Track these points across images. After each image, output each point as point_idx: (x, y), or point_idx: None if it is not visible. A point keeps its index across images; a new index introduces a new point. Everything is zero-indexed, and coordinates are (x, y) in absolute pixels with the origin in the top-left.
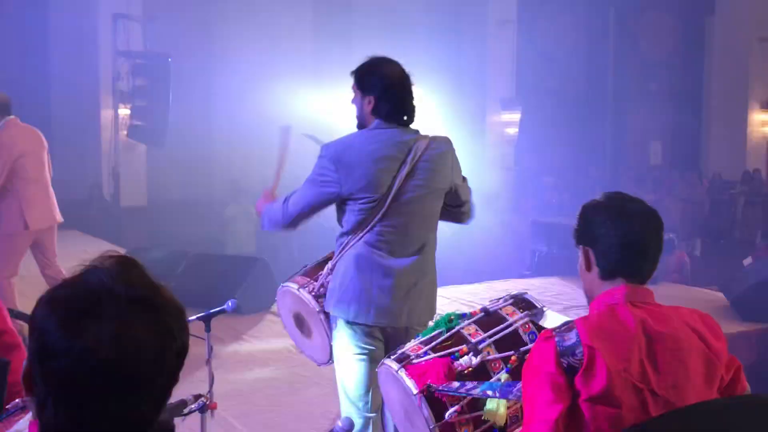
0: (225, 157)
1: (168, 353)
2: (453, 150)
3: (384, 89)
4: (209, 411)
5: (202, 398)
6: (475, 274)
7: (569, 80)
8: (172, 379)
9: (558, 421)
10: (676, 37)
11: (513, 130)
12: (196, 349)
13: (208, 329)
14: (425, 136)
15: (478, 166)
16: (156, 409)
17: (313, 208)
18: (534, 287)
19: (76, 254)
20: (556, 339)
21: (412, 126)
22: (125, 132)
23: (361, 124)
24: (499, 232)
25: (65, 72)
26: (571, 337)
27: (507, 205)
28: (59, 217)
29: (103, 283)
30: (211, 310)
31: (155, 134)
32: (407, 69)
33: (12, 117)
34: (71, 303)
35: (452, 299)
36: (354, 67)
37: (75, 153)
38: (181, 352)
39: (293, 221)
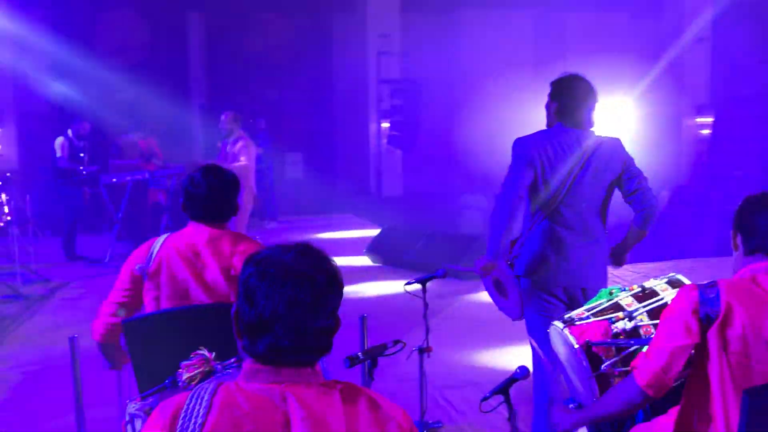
0: (461, 157)
1: (326, 284)
2: (622, 147)
3: (568, 97)
4: (426, 353)
5: (400, 342)
6: (662, 252)
7: (761, 87)
8: (333, 312)
9: (674, 353)
10: None
11: (706, 131)
12: (415, 305)
13: (424, 290)
14: (598, 137)
15: (674, 162)
16: (317, 324)
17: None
18: (712, 266)
19: (347, 231)
20: (699, 291)
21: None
22: (386, 140)
23: (549, 124)
24: (687, 218)
25: (345, 96)
26: (713, 293)
27: (696, 195)
28: None
29: (282, 245)
30: (426, 276)
31: (408, 141)
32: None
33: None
34: (264, 252)
35: (642, 273)
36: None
37: (351, 157)
38: (340, 293)
39: (509, 207)
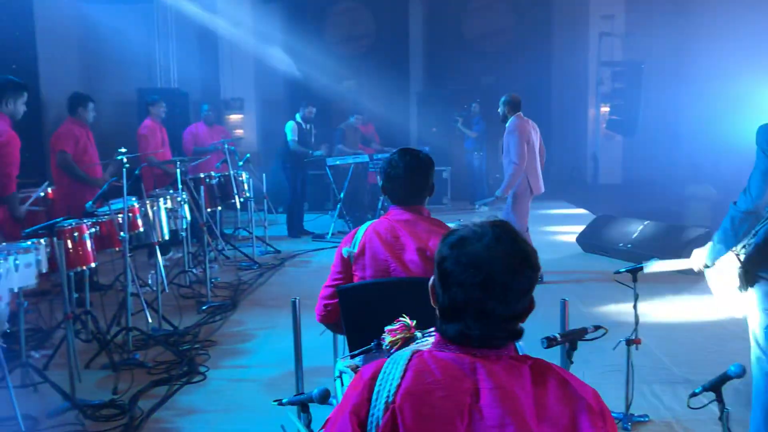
0: (688, 144)
1: (519, 271)
2: None
3: None
4: (634, 345)
5: (602, 329)
6: None
7: None
8: (525, 296)
9: None
10: None
11: None
12: (626, 296)
13: (634, 280)
14: None
15: None
16: (508, 312)
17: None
18: None
19: (559, 218)
20: None
21: None
22: (604, 125)
23: None
24: None
25: (563, 79)
26: None
27: None
28: (542, 189)
29: (478, 227)
30: (635, 266)
31: (629, 126)
32: None
33: (520, 112)
34: (459, 234)
35: None
36: None
37: (565, 142)
38: (533, 277)
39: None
